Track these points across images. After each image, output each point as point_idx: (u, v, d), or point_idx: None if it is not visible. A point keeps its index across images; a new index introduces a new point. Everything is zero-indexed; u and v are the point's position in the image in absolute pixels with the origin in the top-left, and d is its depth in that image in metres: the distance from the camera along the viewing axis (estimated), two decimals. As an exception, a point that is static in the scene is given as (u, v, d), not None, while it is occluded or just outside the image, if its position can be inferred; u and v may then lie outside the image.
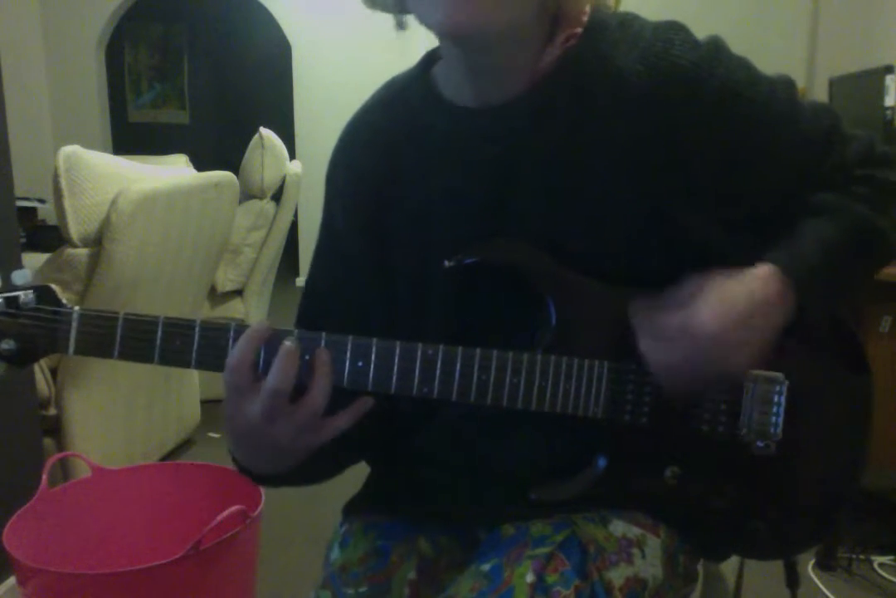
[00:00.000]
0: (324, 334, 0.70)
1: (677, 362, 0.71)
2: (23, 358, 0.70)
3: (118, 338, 0.69)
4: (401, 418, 0.85)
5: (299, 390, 0.69)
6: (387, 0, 0.73)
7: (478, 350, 0.72)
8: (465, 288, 0.78)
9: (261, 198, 3.09)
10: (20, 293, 0.70)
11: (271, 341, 0.69)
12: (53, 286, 0.71)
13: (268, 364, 0.68)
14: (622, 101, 0.72)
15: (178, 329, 0.70)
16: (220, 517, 1.30)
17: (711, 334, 0.70)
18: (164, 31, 7.15)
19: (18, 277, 0.71)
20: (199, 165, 3.15)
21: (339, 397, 0.71)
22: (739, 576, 1.04)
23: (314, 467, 0.79)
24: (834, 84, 2.59)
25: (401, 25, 0.76)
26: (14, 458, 1.76)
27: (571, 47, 0.74)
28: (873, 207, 0.77)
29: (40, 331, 0.69)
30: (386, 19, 0.77)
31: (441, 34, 0.71)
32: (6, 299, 0.69)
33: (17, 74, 4.92)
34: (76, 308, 0.70)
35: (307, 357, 0.69)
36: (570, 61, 0.74)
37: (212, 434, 2.80)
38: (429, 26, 0.68)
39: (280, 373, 0.67)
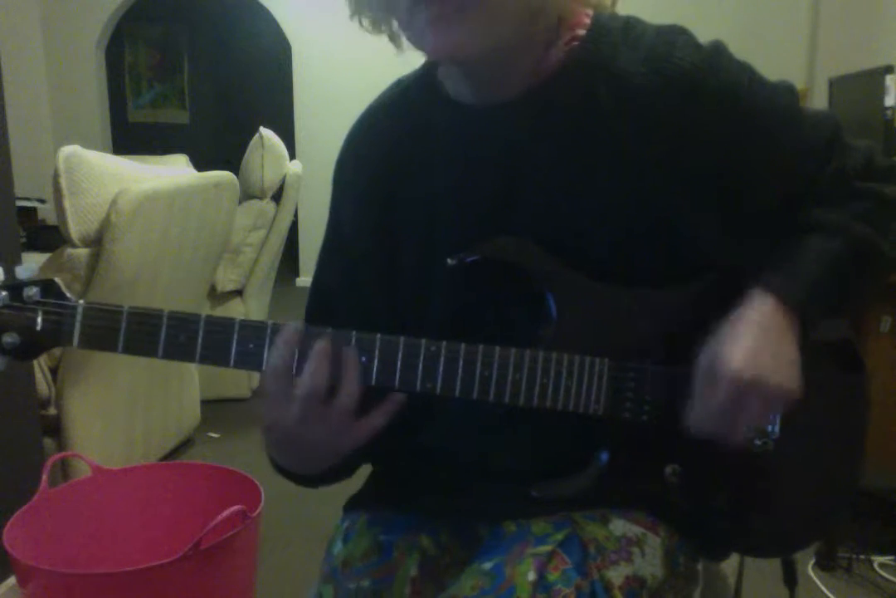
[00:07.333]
0: (330, 330, 0.70)
1: (721, 403, 0.71)
2: (26, 352, 0.70)
3: (122, 332, 0.69)
4: (403, 415, 0.85)
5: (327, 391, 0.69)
6: (387, 28, 0.75)
7: (480, 347, 0.72)
8: (468, 286, 0.78)
9: (261, 198, 3.09)
10: (24, 286, 0.69)
11: (303, 343, 0.69)
12: (58, 280, 0.70)
13: (299, 367, 0.68)
14: (624, 101, 0.73)
15: (183, 323, 0.69)
16: (220, 517, 1.30)
17: (738, 368, 0.70)
18: (164, 31, 7.15)
19: (23, 270, 0.70)
20: (199, 165, 3.15)
21: (364, 397, 0.71)
22: (739, 576, 1.04)
23: (352, 465, 0.81)
24: (834, 84, 2.58)
25: (399, 47, 0.77)
26: (14, 458, 1.76)
27: (574, 49, 0.75)
28: (873, 226, 0.78)
29: (44, 324, 0.69)
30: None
31: (432, 59, 0.75)
32: (10, 292, 0.69)
33: (17, 74, 4.92)
34: (81, 302, 0.70)
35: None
36: (573, 62, 0.74)
37: (212, 434, 2.80)
38: (421, 51, 0.72)
39: (316, 374, 0.68)
